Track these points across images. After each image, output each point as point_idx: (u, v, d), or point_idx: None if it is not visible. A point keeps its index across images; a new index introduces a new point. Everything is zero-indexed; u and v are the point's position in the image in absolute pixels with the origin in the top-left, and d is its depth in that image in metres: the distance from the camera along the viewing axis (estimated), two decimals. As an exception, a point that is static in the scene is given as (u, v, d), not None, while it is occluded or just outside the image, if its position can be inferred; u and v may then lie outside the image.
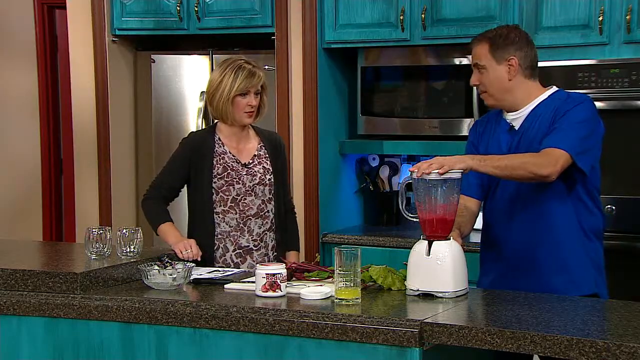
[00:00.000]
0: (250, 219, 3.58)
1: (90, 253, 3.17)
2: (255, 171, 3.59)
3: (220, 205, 3.56)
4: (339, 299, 2.73)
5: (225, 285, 3.03)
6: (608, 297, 3.10)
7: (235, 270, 3.33)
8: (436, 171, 2.85)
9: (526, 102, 3.11)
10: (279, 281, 2.83)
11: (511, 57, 3.08)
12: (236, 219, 3.56)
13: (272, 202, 3.62)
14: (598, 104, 3.94)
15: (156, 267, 3.02)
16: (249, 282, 3.02)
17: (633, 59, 3.89)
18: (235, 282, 3.07)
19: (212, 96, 3.55)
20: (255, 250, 3.58)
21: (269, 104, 4.69)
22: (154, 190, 3.60)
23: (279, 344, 2.66)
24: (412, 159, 4.77)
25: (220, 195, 3.55)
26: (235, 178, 3.56)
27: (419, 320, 2.53)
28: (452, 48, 4.38)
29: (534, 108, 3.10)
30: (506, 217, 3.10)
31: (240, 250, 3.56)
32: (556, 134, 2.98)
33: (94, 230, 3.19)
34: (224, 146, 3.59)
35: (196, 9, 4.77)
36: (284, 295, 2.83)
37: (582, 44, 3.99)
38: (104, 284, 3.01)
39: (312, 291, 2.81)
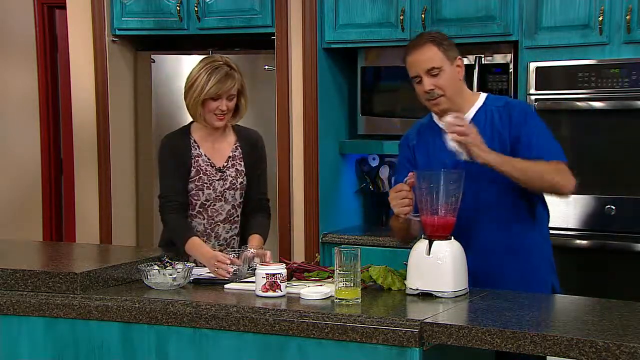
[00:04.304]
0: (219, 225, 3.51)
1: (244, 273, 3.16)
2: (227, 175, 3.50)
3: (189, 210, 3.48)
4: (339, 299, 2.73)
5: (225, 285, 3.03)
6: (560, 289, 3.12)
7: (236, 270, 3.32)
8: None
9: (467, 107, 3.08)
10: (279, 281, 2.83)
11: (458, 57, 3.07)
12: (204, 224, 3.49)
13: (243, 207, 3.56)
14: (598, 104, 3.97)
15: (156, 267, 3.02)
16: (249, 282, 3.02)
17: (633, 59, 3.89)
18: (235, 282, 3.07)
19: (186, 94, 3.44)
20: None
21: (269, 103, 4.72)
22: (170, 202, 3.44)
23: (279, 344, 2.66)
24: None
25: (189, 200, 3.47)
26: (207, 183, 3.47)
27: (419, 320, 2.53)
28: (452, 48, 4.37)
29: (475, 115, 3.06)
30: (468, 224, 3.01)
31: None
32: (546, 146, 2.97)
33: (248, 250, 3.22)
34: (199, 148, 3.49)
35: (196, 9, 4.77)
36: (284, 295, 2.83)
37: (582, 44, 3.99)
38: (104, 284, 3.01)
39: (312, 291, 2.81)
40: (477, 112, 3.07)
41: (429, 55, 3.01)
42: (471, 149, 2.85)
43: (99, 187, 5.08)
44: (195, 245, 3.30)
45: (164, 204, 3.45)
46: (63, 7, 5.29)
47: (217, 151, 3.52)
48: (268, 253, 3.22)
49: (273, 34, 4.64)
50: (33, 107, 6.15)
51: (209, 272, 3.20)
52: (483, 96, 3.13)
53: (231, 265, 3.13)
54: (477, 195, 3.01)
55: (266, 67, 4.77)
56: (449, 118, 2.89)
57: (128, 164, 5.22)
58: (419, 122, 3.25)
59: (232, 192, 3.51)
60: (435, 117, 3.14)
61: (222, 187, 3.50)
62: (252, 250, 3.25)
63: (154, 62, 5.08)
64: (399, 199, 2.93)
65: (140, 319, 2.83)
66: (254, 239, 3.45)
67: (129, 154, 5.23)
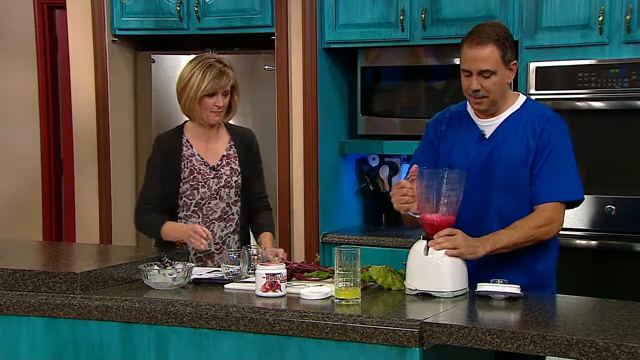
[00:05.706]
0: (214, 223, 3.53)
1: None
2: (221, 173, 3.53)
3: (183, 210, 3.51)
4: (339, 299, 2.73)
5: (225, 285, 3.03)
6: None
7: (236, 270, 3.32)
8: (498, 289, 2.77)
9: (504, 108, 3.06)
10: (279, 281, 2.83)
11: (514, 61, 3.02)
12: (199, 223, 3.49)
13: (238, 204, 3.57)
14: (598, 104, 3.97)
15: (156, 267, 3.02)
16: (249, 282, 3.02)
17: (633, 59, 3.89)
18: (235, 282, 3.07)
19: (180, 93, 3.50)
20: (217, 253, 3.52)
21: (269, 103, 4.72)
22: (144, 203, 3.52)
23: (279, 344, 2.66)
24: (412, 159, 4.77)
25: (184, 200, 3.50)
26: (201, 182, 3.49)
27: (419, 320, 2.53)
28: (452, 48, 4.37)
29: (508, 117, 3.05)
30: (473, 225, 3.00)
31: (201, 255, 3.50)
32: (556, 182, 2.96)
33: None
34: (192, 148, 3.52)
35: (196, 9, 4.77)
36: (284, 295, 2.83)
37: (582, 44, 3.99)
38: (104, 284, 3.01)
39: (312, 291, 2.81)
40: (511, 114, 3.05)
41: (487, 57, 2.94)
42: (462, 256, 2.85)
43: (99, 187, 5.08)
44: (170, 226, 3.40)
45: (141, 204, 3.53)
46: (63, 7, 5.29)
47: (210, 150, 3.55)
48: (281, 251, 3.34)
49: (273, 34, 4.64)
50: (33, 107, 6.15)
51: (209, 272, 3.20)
52: (522, 99, 3.09)
53: (207, 241, 3.28)
54: (486, 197, 3.02)
55: (266, 67, 4.77)
56: (437, 238, 2.85)
57: (128, 164, 5.22)
58: (451, 108, 3.22)
59: (226, 190, 3.53)
60: (469, 108, 3.12)
61: (217, 185, 3.52)
62: (266, 249, 3.35)
63: (154, 62, 5.08)
64: (400, 195, 2.93)
65: (140, 319, 2.83)
66: (266, 237, 3.54)
67: (129, 154, 5.23)
